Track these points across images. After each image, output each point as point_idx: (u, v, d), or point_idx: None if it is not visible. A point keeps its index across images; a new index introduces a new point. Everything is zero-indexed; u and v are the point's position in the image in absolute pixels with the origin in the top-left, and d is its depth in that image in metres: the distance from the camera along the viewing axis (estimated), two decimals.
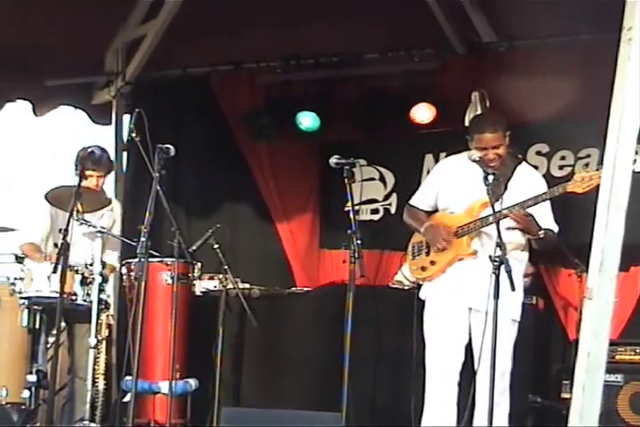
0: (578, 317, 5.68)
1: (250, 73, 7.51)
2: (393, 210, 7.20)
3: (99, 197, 6.10)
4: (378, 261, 6.97)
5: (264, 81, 7.45)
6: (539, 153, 6.61)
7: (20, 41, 6.77)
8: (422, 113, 6.93)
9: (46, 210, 6.08)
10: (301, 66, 7.33)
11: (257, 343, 6.95)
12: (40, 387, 5.82)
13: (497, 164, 5.42)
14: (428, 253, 5.62)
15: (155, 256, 5.86)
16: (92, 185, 6.05)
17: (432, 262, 5.59)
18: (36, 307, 5.89)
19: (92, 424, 5.67)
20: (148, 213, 5.04)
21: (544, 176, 5.80)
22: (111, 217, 6.33)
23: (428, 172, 6.49)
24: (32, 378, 5.80)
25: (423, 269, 5.62)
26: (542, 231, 5.37)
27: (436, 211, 5.72)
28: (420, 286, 5.69)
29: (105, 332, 5.97)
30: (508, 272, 4.70)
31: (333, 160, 5.20)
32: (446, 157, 6.12)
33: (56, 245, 5.48)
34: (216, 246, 6.37)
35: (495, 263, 4.74)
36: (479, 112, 6.53)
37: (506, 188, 5.45)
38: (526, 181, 5.52)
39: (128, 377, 5.43)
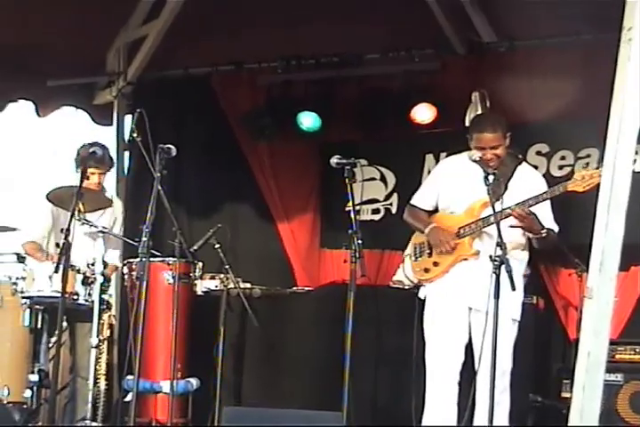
0: (578, 316, 5.70)
1: (251, 73, 7.51)
2: (394, 210, 7.21)
3: (100, 196, 6.13)
4: (378, 261, 6.97)
5: (265, 81, 7.46)
6: (539, 153, 6.61)
7: (22, 41, 6.77)
8: (423, 113, 6.93)
9: (48, 209, 6.09)
10: (302, 66, 7.33)
11: (258, 343, 6.95)
12: (42, 386, 5.84)
13: (495, 164, 5.43)
14: (430, 255, 5.63)
15: (156, 256, 5.88)
16: (93, 183, 6.07)
17: (435, 264, 5.59)
18: (37, 307, 5.92)
19: (94, 424, 5.67)
20: (149, 213, 5.04)
21: (544, 176, 5.81)
22: (112, 215, 6.34)
23: (429, 172, 6.50)
24: (34, 378, 5.82)
25: (426, 270, 5.63)
26: (544, 230, 5.39)
27: (436, 211, 5.74)
28: (420, 286, 5.70)
29: (106, 331, 5.96)
30: (509, 272, 4.71)
31: (334, 160, 5.21)
32: (447, 157, 6.13)
33: (58, 244, 5.49)
34: (217, 246, 6.37)
35: (495, 263, 4.75)
36: (479, 112, 6.54)
37: (506, 188, 5.46)
38: (526, 181, 5.53)
39: (129, 377, 5.43)
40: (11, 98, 7.45)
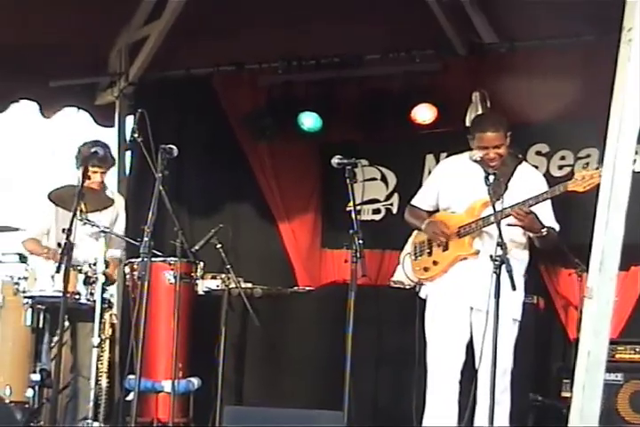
0: (578, 316, 5.70)
1: (252, 74, 7.52)
2: (394, 210, 7.21)
3: (101, 196, 6.13)
4: (379, 261, 6.98)
5: (266, 82, 7.47)
6: (539, 153, 6.62)
7: (23, 41, 6.77)
8: (423, 113, 6.94)
9: (49, 208, 6.10)
10: (303, 67, 7.34)
11: (259, 342, 6.97)
12: (44, 386, 5.84)
13: (497, 163, 5.45)
14: (430, 254, 5.65)
15: (157, 256, 5.88)
16: (95, 182, 6.08)
17: (434, 263, 5.61)
18: (39, 306, 5.92)
19: (95, 423, 5.67)
20: (150, 213, 5.05)
21: (544, 176, 5.83)
22: (113, 212, 6.35)
23: (430, 172, 6.51)
24: (36, 377, 5.82)
25: (426, 269, 5.65)
26: (545, 229, 5.40)
27: (437, 211, 5.75)
28: (420, 285, 5.71)
29: (108, 331, 5.96)
30: (509, 272, 4.73)
31: (335, 160, 5.21)
32: (447, 157, 6.15)
33: (59, 244, 5.50)
34: (218, 246, 6.38)
35: (496, 263, 4.76)
36: (480, 112, 6.55)
37: (506, 187, 5.47)
38: (527, 181, 5.55)
39: (131, 376, 5.44)
40: (12, 98, 7.46)
